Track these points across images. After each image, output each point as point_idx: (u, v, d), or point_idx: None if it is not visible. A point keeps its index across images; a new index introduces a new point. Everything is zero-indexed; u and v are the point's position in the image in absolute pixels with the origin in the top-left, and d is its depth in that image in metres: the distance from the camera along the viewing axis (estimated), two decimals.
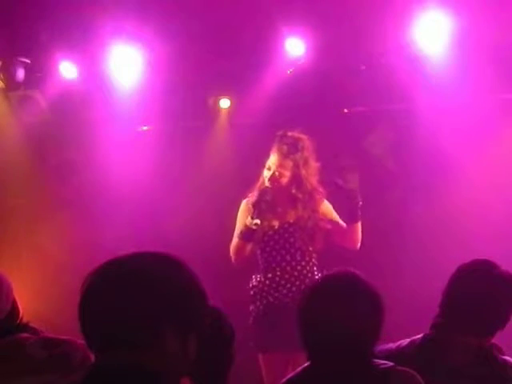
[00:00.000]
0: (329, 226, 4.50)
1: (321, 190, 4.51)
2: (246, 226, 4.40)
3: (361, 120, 6.02)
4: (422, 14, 5.05)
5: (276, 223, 4.49)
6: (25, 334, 2.52)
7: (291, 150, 4.46)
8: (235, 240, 4.48)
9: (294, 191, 4.45)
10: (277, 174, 4.42)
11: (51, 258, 6.24)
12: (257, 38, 5.38)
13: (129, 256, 1.71)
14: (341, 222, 4.52)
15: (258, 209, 4.38)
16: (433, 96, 5.53)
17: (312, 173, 4.50)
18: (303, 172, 4.46)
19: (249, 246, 4.47)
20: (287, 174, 4.45)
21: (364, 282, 2.46)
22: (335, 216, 4.54)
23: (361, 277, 2.48)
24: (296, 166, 4.45)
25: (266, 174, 4.47)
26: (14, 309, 2.56)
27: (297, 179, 4.45)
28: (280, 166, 4.44)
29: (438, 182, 5.69)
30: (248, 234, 4.41)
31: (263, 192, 4.44)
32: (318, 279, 2.62)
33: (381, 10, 4.99)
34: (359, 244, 4.50)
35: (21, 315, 2.58)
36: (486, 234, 5.29)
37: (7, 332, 2.49)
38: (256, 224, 4.38)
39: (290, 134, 4.51)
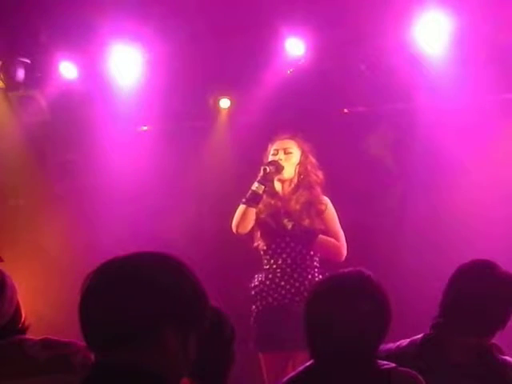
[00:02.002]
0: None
1: (321, 181, 4.55)
2: (251, 190, 4.42)
3: (361, 120, 6.02)
4: (421, 13, 5.04)
5: (277, 226, 4.49)
6: (26, 336, 2.52)
7: (291, 134, 4.60)
8: (239, 207, 4.48)
9: (300, 177, 4.50)
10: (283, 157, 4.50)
11: (51, 258, 6.24)
12: (257, 38, 5.38)
13: (129, 256, 1.71)
14: (337, 232, 4.52)
15: (265, 173, 4.41)
16: (433, 96, 5.53)
17: (313, 167, 4.55)
18: (307, 156, 4.53)
19: (252, 213, 4.45)
20: (294, 150, 4.54)
21: (371, 282, 2.45)
22: (333, 226, 4.54)
23: (369, 277, 2.47)
24: (299, 145, 4.56)
25: (273, 158, 4.53)
26: (18, 312, 2.55)
27: (301, 162, 4.52)
28: (285, 145, 4.54)
29: (439, 181, 5.69)
30: (253, 198, 4.42)
31: (272, 162, 4.48)
32: (325, 278, 2.61)
33: (381, 10, 4.99)
34: (342, 257, 4.49)
35: (23, 319, 2.57)
36: (486, 234, 5.29)
37: (9, 335, 2.49)
38: (261, 188, 4.40)
39: (286, 130, 4.64)
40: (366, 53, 5.45)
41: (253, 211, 4.45)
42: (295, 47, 5.43)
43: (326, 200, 4.56)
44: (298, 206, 4.47)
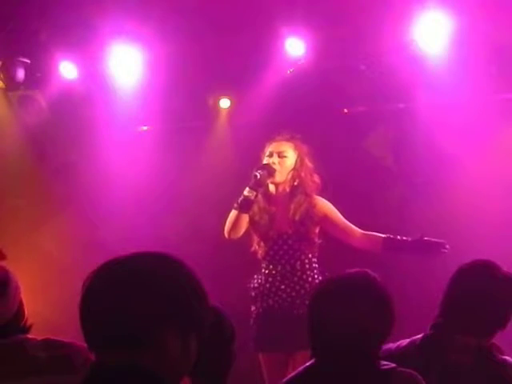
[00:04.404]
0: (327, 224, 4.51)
1: (317, 185, 4.54)
2: (243, 195, 4.39)
3: (361, 120, 6.02)
4: (422, 13, 5.04)
5: (274, 233, 4.48)
6: (27, 336, 2.51)
7: (289, 136, 4.55)
8: (231, 212, 4.46)
9: (294, 183, 4.48)
10: (277, 160, 4.46)
11: (52, 258, 6.24)
12: (257, 38, 5.38)
13: (129, 256, 1.71)
14: (346, 222, 4.50)
15: (256, 179, 4.37)
16: (433, 96, 5.53)
17: (308, 172, 4.52)
18: (303, 161, 4.50)
19: (244, 219, 4.43)
20: (289, 154, 4.50)
21: (376, 284, 2.45)
22: (337, 216, 4.52)
23: (374, 278, 2.47)
24: (296, 148, 4.52)
25: (268, 160, 4.49)
26: (20, 310, 2.53)
27: (296, 167, 4.49)
28: (280, 148, 4.50)
29: (439, 181, 5.70)
30: (245, 203, 4.39)
31: (264, 166, 4.44)
32: (330, 278, 2.63)
33: (381, 10, 4.99)
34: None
35: (26, 317, 2.56)
36: (486, 234, 5.29)
37: (12, 333, 2.48)
38: (253, 194, 4.37)
39: (285, 131, 4.60)
40: (366, 53, 5.45)
41: (245, 217, 4.44)
42: (295, 47, 5.43)
43: (326, 205, 4.51)
44: (297, 217, 4.45)
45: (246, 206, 4.40)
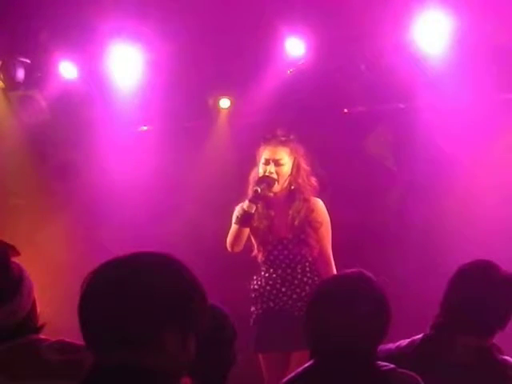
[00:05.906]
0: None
1: (315, 188, 4.52)
2: (243, 209, 4.36)
3: (361, 120, 6.01)
4: (421, 13, 5.04)
5: (273, 238, 4.47)
6: (40, 336, 2.47)
7: (283, 139, 4.49)
8: (232, 226, 4.44)
9: (291, 187, 4.46)
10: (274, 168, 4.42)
11: (51, 258, 6.23)
12: (257, 38, 5.38)
13: (129, 256, 1.71)
14: (327, 249, 4.49)
15: (256, 193, 4.34)
16: (433, 96, 5.53)
17: (305, 176, 4.50)
18: (299, 165, 4.47)
19: (245, 232, 4.41)
20: (286, 161, 4.44)
21: (371, 284, 2.45)
22: (325, 245, 4.49)
23: (369, 278, 2.47)
24: (292, 152, 4.47)
25: (265, 168, 4.44)
26: (33, 309, 2.49)
27: (295, 170, 4.45)
28: (276, 155, 4.44)
29: (438, 181, 5.69)
30: (245, 218, 4.36)
31: (264, 178, 4.40)
32: (327, 279, 2.63)
33: (381, 10, 4.99)
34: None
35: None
36: (486, 233, 5.29)
37: (24, 333, 2.44)
38: (253, 208, 4.34)
39: (279, 132, 4.53)
40: (366, 53, 5.45)
41: (246, 230, 4.41)
42: (295, 47, 5.43)
43: (323, 213, 4.50)
44: (296, 223, 4.43)
45: (246, 221, 4.37)
